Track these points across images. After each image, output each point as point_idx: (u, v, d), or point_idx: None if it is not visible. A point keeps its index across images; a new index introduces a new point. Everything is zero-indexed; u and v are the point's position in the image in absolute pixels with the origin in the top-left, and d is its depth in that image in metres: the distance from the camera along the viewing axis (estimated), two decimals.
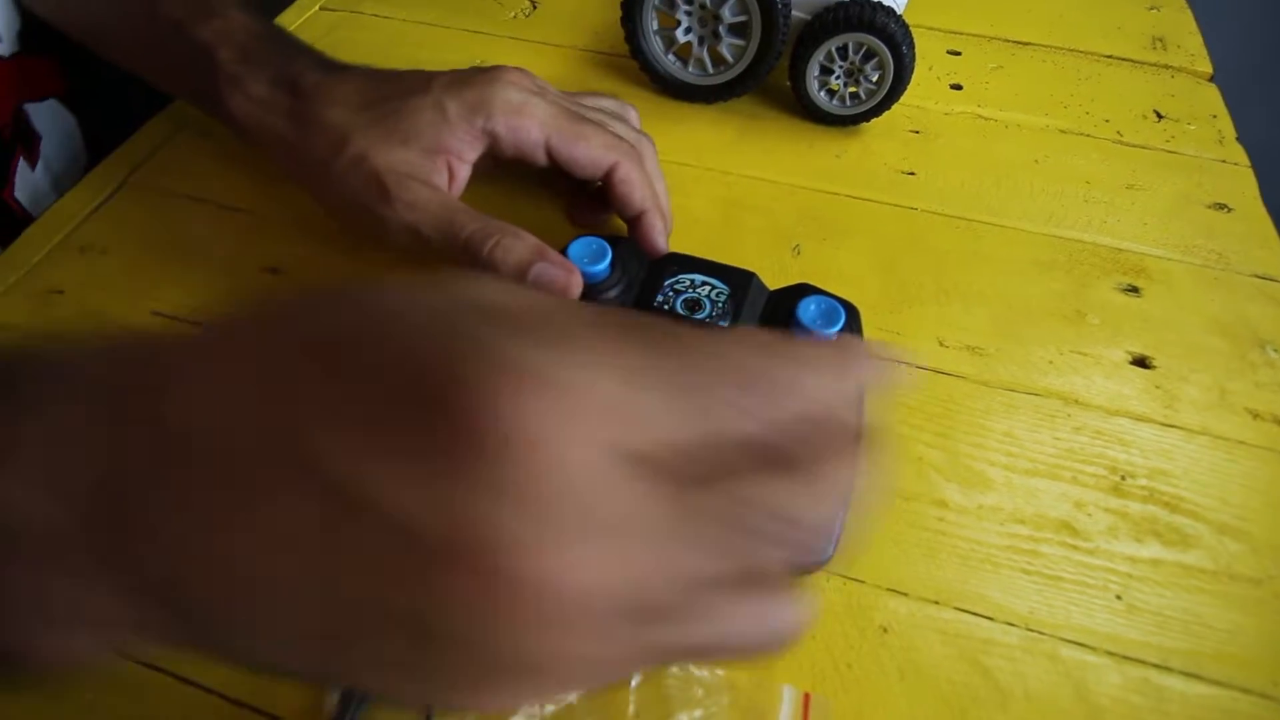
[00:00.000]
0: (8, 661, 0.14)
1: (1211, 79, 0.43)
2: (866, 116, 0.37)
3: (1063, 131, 0.39)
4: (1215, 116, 0.41)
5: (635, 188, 0.28)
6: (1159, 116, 0.40)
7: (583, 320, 0.14)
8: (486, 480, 0.12)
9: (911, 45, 0.34)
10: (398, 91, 0.27)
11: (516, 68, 0.28)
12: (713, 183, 0.36)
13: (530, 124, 0.27)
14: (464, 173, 0.28)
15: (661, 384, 0.13)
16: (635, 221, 0.29)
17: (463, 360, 0.12)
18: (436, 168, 0.27)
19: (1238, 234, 0.34)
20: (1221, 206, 0.36)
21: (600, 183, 0.29)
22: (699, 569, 0.13)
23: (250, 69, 0.29)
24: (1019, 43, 0.45)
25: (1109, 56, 0.44)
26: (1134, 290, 0.32)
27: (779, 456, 0.13)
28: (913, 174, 0.37)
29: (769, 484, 0.13)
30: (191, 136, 0.39)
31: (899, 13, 0.35)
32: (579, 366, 0.13)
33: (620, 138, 0.28)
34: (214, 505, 0.13)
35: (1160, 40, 0.45)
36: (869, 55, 0.35)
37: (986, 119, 0.40)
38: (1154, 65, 0.44)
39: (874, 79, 0.36)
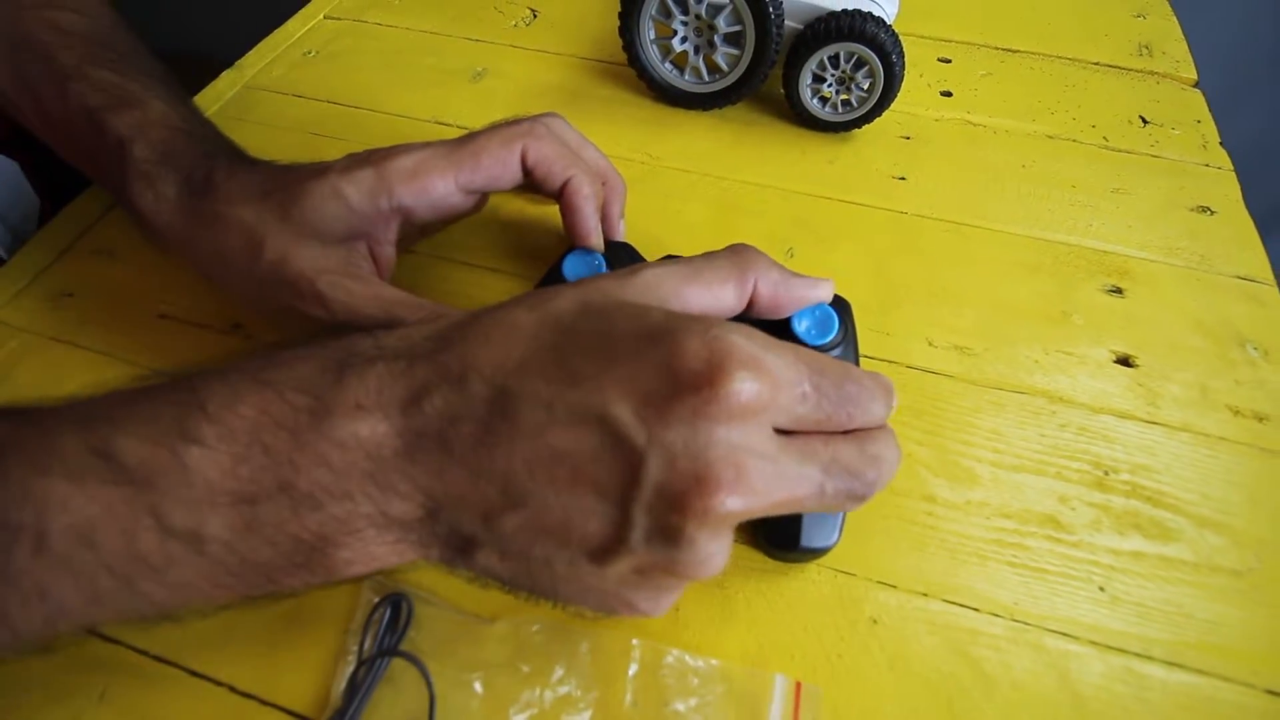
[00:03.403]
0: (310, 561, 0.19)
1: (1196, 85, 0.44)
2: (858, 123, 0.38)
3: (1050, 137, 0.40)
4: (1199, 122, 0.42)
5: (552, 162, 0.27)
6: (1144, 122, 0.41)
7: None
8: (713, 415, 0.17)
9: (901, 54, 0.35)
10: (297, 179, 0.26)
11: (405, 145, 0.27)
12: (708, 187, 0.37)
13: (432, 179, 0.26)
14: (388, 254, 0.28)
15: (810, 379, 0.19)
16: (563, 194, 0.28)
17: (681, 332, 0.18)
18: (359, 257, 0.26)
19: (1220, 236, 0.35)
20: (1204, 209, 0.37)
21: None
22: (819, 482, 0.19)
23: (163, 169, 0.27)
24: (1008, 50, 0.46)
25: (1096, 63, 0.45)
26: (1118, 291, 0.33)
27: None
28: (903, 179, 0.37)
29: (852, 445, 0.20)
30: None
31: (889, 22, 0.36)
32: (767, 348, 0.18)
33: (517, 124, 0.28)
34: (514, 435, 0.18)
35: (1146, 47, 0.46)
36: (860, 64, 0.36)
37: (976, 125, 0.41)
38: (1140, 72, 0.45)
39: (865, 87, 0.36)
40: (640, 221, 0.35)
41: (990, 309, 0.32)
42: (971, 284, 0.33)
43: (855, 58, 0.35)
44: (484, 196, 0.28)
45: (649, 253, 0.29)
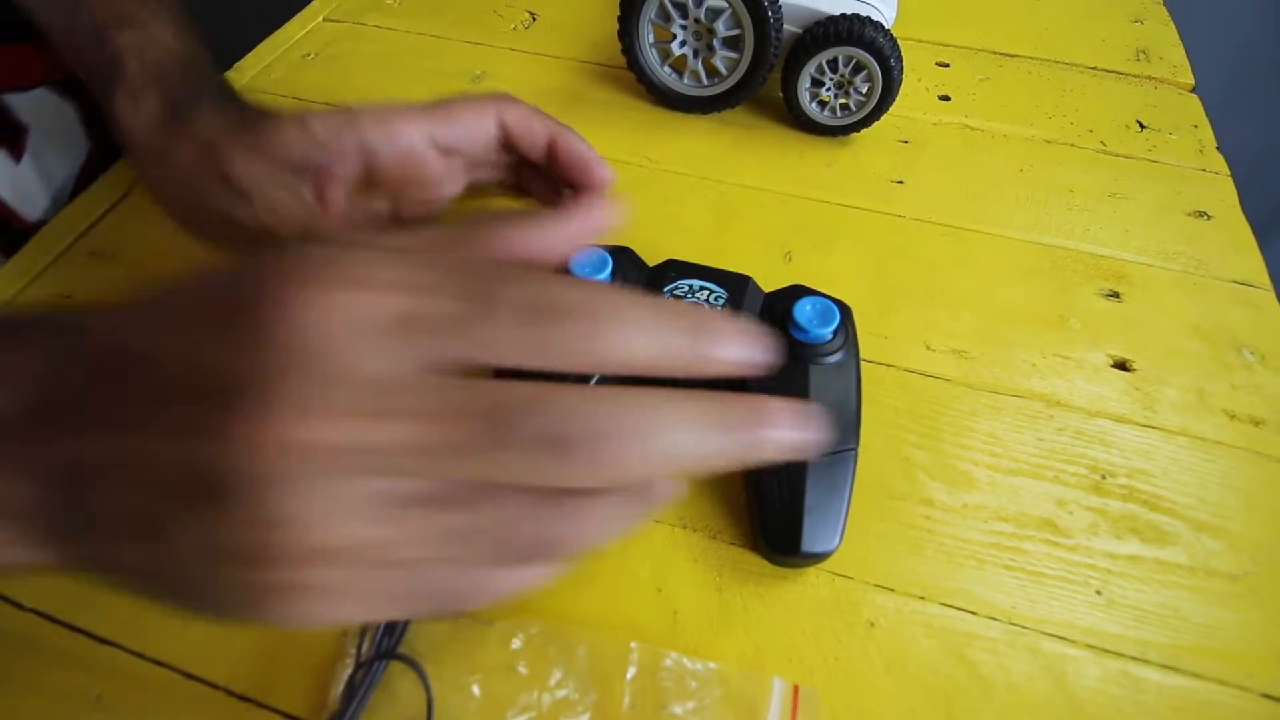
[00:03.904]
0: None
1: (1193, 90, 0.45)
2: (856, 127, 0.38)
3: (1048, 141, 0.40)
4: (1196, 126, 0.42)
5: (531, 119, 0.27)
6: (1141, 126, 0.41)
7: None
8: (255, 341, 0.14)
9: (900, 58, 0.35)
10: (273, 113, 0.27)
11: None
12: (707, 191, 0.37)
13: (400, 124, 0.26)
14: (337, 198, 0.26)
15: (445, 287, 0.15)
16: (554, 148, 0.27)
17: (253, 265, 0.15)
18: (301, 182, 0.26)
19: (1217, 241, 0.35)
20: (1201, 214, 0.37)
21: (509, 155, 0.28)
22: (455, 455, 0.14)
23: (151, 88, 0.28)
24: (1006, 55, 0.46)
25: (1093, 68, 0.45)
26: (1115, 295, 0.33)
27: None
28: (901, 183, 0.38)
29: (533, 403, 0.14)
30: None
31: (888, 27, 0.36)
32: (354, 252, 0.15)
33: (485, 94, 0.28)
34: (95, 416, 0.15)
35: (1144, 52, 0.47)
36: (858, 68, 0.36)
37: (974, 129, 0.41)
38: (1137, 77, 0.45)
39: (863, 91, 0.37)
40: (638, 225, 0.35)
41: (988, 312, 0.32)
42: (969, 288, 0.33)
43: (854, 62, 0.36)
44: (466, 179, 0.28)
45: (647, 256, 0.29)
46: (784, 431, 0.16)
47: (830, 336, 0.25)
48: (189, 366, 0.14)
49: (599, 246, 0.28)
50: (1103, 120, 0.42)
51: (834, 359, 0.25)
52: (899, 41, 0.36)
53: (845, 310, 0.27)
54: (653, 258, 0.30)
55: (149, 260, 0.34)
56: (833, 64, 0.36)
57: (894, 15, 0.37)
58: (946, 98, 0.43)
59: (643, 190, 0.37)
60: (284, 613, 0.15)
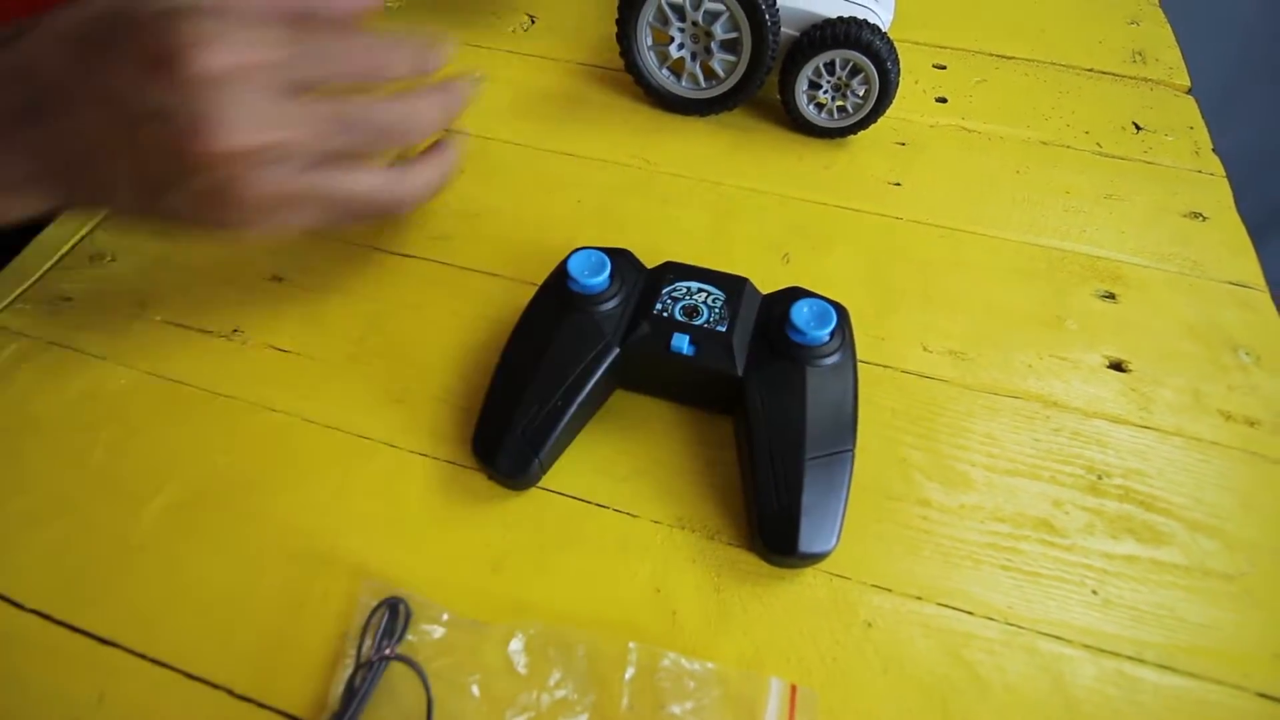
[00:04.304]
0: None
1: (1189, 91, 0.45)
2: (854, 129, 0.39)
3: (1044, 143, 0.41)
4: (1192, 128, 0.42)
5: None
6: (1137, 128, 0.42)
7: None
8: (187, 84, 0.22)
9: (896, 61, 0.36)
10: None
11: None
12: (705, 193, 0.37)
13: None
14: None
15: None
16: None
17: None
18: None
19: (1212, 242, 0.36)
20: (1197, 215, 0.37)
21: None
22: (315, 134, 0.24)
23: None
24: (1003, 56, 0.46)
25: (1090, 70, 0.46)
26: (1111, 297, 0.33)
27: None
28: (899, 185, 0.38)
29: (361, 102, 0.25)
30: None
31: (884, 30, 0.36)
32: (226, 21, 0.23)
33: None
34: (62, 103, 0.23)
35: (1140, 54, 0.47)
36: (855, 71, 0.36)
37: (970, 131, 0.41)
38: (1133, 79, 0.45)
39: (860, 94, 0.37)
40: (636, 227, 0.36)
41: (984, 314, 0.32)
42: (966, 289, 0.33)
43: (851, 65, 0.36)
44: None
45: (646, 258, 0.30)
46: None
47: (827, 338, 0.25)
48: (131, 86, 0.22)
49: (597, 249, 0.28)
50: (1099, 122, 0.42)
51: (831, 360, 0.25)
52: (896, 45, 0.36)
53: (842, 312, 0.27)
54: (651, 259, 0.30)
55: (148, 264, 0.34)
56: (830, 67, 0.37)
57: (891, 18, 0.38)
58: (943, 99, 0.43)
59: (641, 192, 0.37)
60: (226, 216, 0.24)
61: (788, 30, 0.37)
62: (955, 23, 0.49)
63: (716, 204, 0.37)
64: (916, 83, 0.44)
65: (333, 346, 0.31)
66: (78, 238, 0.36)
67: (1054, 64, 0.46)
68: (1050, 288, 0.33)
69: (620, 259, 0.28)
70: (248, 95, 0.22)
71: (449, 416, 0.29)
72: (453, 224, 0.36)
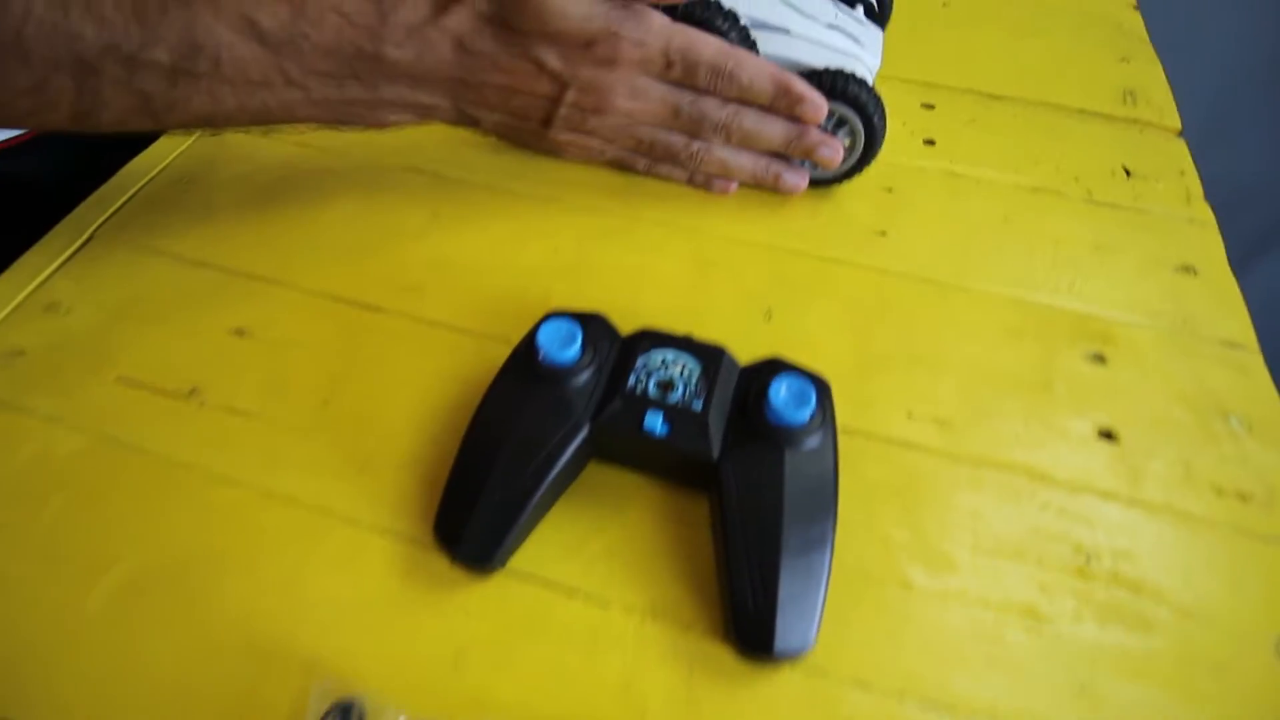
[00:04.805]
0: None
1: (1180, 134, 0.44)
2: (838, 180, 0.38)
3: (1033, 189, 0.40)
4: (1183, 173, 0.41)
5: None
6: (1128, 174, 0.41)
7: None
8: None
9: (883, 115, 0.35)
10: None
11: None
12: (687, 242, 0.36)
13: None
14: None
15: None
16: None
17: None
18: None
19: (1204, 298, 0.35)
20: (1188, 269, 0.36)
21: None
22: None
23: None
24: (993, 96, 0.45)
25: (1080, 110, 0.45)
26: (1100, 359, 0.32)
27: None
28: (884, 234, 0.37)
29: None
30: (163, 185, 0.39)
31: (872, 77, 0.35)
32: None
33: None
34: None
35: (1131, 94, 0.46)
36: (841, 123, 0.35)
37: (958, 175, 0.40)
38: (1124, 120, 0.44)
39: (845, 145, 0.36)
40: (615, 277, 0.34)
41: (971, 377, 0.31)
42: (952, 350, 0.32)
43: (835, 117, 0.35)
44: None
45: (619, 314, 0.29)
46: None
47: (806, 420, 0.24)
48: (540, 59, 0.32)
49: (569, 315, 0.27)
50: (1089, 166, 0.41)
51: (810, 443, 0.24)
52: (882, 95, 0.35)
53: (822, 389, 0.26)
54: (629, 311, 0.29)
55: (105, 316, 0.33)
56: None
57: (878, 63, 0.37)
58: (931, 142, 0.42)
59: (620, 240, 0.36)
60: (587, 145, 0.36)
61: None
62: (945, 59, 0.48)
63: (698, 254, 0.36)
64: (904, 124, 0.43)
65: (295, 408, 0.30)
66: (33, 286, 0.34)
67: (1044, 104, 0.45)
68: (1039, 348, 0.32)
69: (593, 326, 0.27)
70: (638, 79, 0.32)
71: (414, 488, 0.27)
72: (423, 273, 0.34)
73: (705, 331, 0.28)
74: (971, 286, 0.35)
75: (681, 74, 0.32)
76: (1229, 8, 0.84)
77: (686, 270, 0.35)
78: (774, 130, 0.34)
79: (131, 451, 0.28)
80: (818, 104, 0.33)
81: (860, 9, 0.37)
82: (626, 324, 0.30)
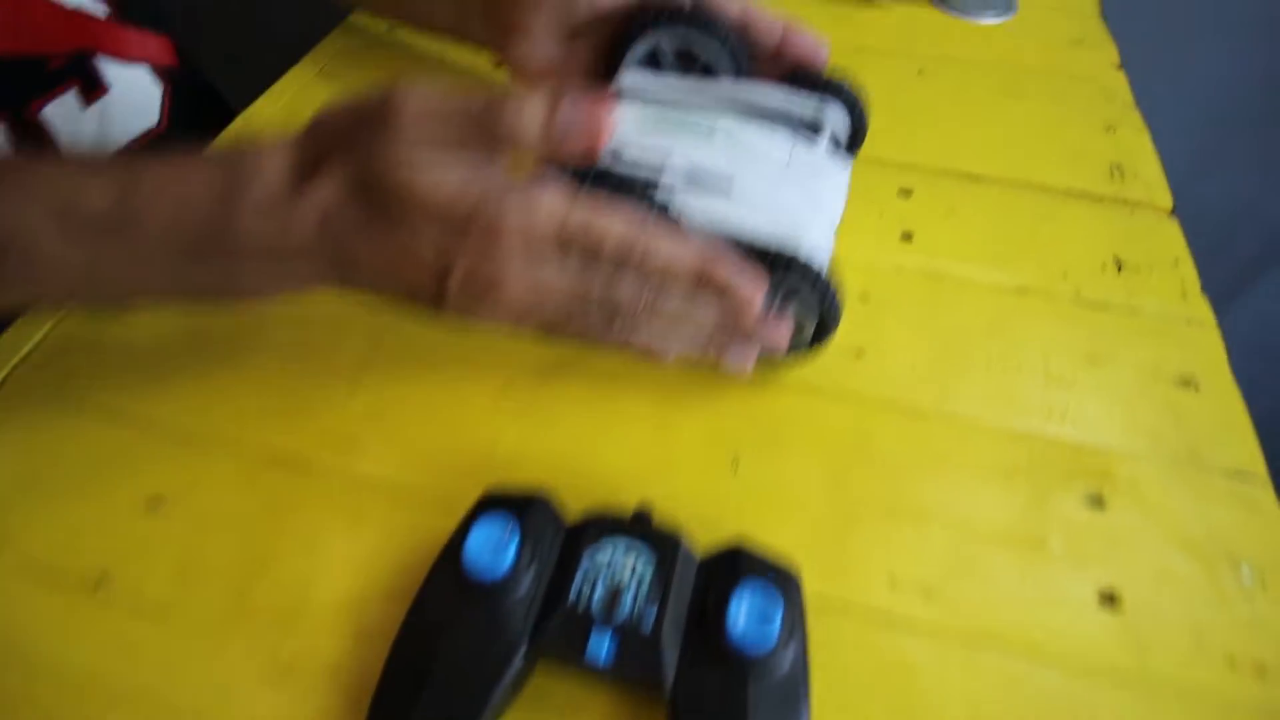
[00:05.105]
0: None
1: (1172, 212, 0.42)
2: (792, 357, 0.33)
3: (1019, 290, 0.37)
4: (1178, 262, 0.39)
5: (765, 17, 0.37)
6: (1119, 266, 0.38)
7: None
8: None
9: (836, 299, 0.30)
10: None
11: None
12: (647, 376, 0.33)
13: None
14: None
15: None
16: (784, 39, 0.37)
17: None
18: None
19: (1207, 418, 0.32)
20: (1189, 383, 0.33)
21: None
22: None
23: None
24: (973, 177, 0.43)
25: (1066, 190, 0.42)
26: (1099, 502, 0.29)
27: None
28: (861, 354, 0.34)
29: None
30: (76, 325, 0.35)
31: (826, 246, 0.30)
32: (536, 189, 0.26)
33: None
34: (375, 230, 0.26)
35: (1118, 168, 0.44)
36: (792, 292, 0.30)
37: (939, 276, 0.37)
38: (1113, 200, 0.42)
39: (795, 322, 0.31)
40: (571, 416, 0.32)
41: (959, 532, 0.29)
42: (937, 497, 0.30)
43: (783, 290, 0.30)
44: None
45: (574, 462, 0.26)
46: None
47: (773, 644, 0.21)
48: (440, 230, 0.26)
49: (506, 506, 0.24)
50: (1078, 259, 0.39)
51: (777, 668, 0.21)
52: (836, 288, 0.31)
53: (790, 591, 0.23)
54: (586, 455, 0.27)
55: (7, 487, 0.30)
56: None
57: (840, 211, 0.32)
58: (909, 236, 0.39)
59: (577, 373, 0.33)
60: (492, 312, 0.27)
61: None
62: (921, 134, 0.45)
63: (659, 388, 0.33)
64: (880, 215, 0.40)
65: (210, 600, 0.27)
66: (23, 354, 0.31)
67: (1028, 184, 0.42)
68: (1032, 492, 0.30)
69: (533, 516, 0.24)
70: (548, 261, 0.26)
71: (339, 702, 0.24)
72: (358, 424, 0.31)
73: (667, 486, 0.26)
74: (957, 413, 0.32)
75: (585, 255, 0.26)
76: (1211, 33, 0.82)
77: (648, 407, 0.32)
78: (704, 312, 0.28)
79: (25, 660, 0.25)
80: (749, 289, 0.27)
81: (825, 138, 0.34)
82: (579, 480, 0.27)
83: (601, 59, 0.38)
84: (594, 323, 0.27)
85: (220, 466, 0.30)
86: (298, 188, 0.26)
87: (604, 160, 0.32)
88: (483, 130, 0.25)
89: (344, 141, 0.26)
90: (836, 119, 0.34)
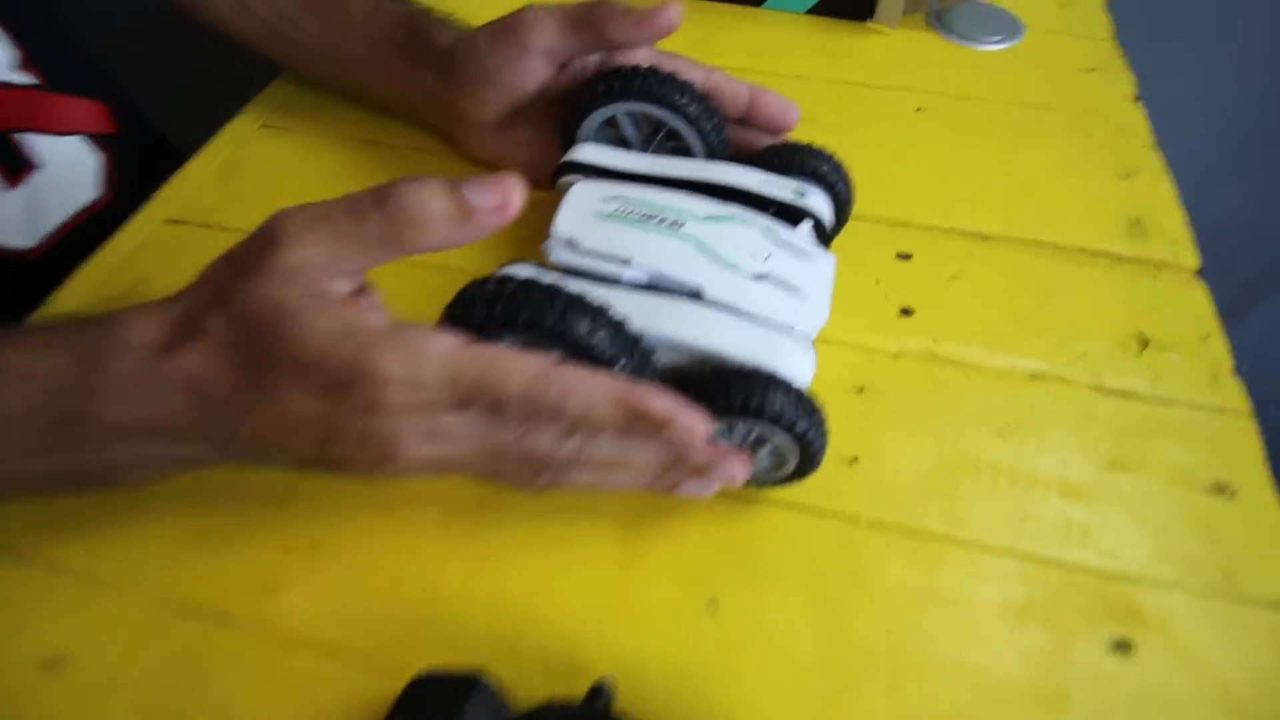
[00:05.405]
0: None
1: (1199, 273, 0.38)
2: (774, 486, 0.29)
3: (1032, 377, 0.33)
4: (1208, 337, 0.35)
5: (731, 83, 0.34)
6: (1143, 344, 0.35)
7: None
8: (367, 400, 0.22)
9: (822, 426, 0.26)
10: (527, 10, 0.35)
11: None
12: (613, 503, 0.29)
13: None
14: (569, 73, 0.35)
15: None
16: (751, 104, 0.34)
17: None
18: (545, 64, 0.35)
19: (1244, 535, 0.29)
20: (1223, 490, 0.30)
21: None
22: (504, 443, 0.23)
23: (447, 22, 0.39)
24: (979, 236, 0.39)
25: (1081, 250, 0.38)
26: (1125, 648, 0.26)
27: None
28: (855, 461, 0.30)
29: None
30: None
31: (804, 384, 0.26)
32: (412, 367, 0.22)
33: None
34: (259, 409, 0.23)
35: (1138, 223, 0.40)
36: (761, 440, 0.26)
37: (942, 361, 0.34)
38: (1133, 261, 0.38)
39: (769, 463, 0.28)
40: (520, 551, 0.28)
41: (970, 686, 0.25)
42: (945, 642, 0.26)
43: (755, 434, 0.26)
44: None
45: (527, 607, 0.22)
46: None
47: None
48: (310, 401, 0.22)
49: (439, 693, 0.21)
50: (1097, 335, 0.35)
51: None
52: (821, 409, 0.26)
53: None
54: (540, 600, 0.25)
55: None
56: (729, 428, 0.26)
57: (825, 314, 0.28)
58: (909, 311, 0.35)
59: (530, 502, 0.29)
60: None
61: (670, 358, 0.27)
62: (921, 185, 0.41)
63: (622, 512, 0.29)
64: (877, 283, 0.36)
65: None
66: None
67: (1039, 244, 0.38)
68: (1051, 636, 0.26)
69: (471, 710, 0.21)
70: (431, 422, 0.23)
71: None
72: (284, 565, 0.27)
73: (633, 637, 0.22)
74: (963, 537, 0.28)
75: (487, 412, 0.22)
76: (1220, 46, 0.77)
77: (613, 538, 0.28)
78: (642, 454, 0.24)
79: None
80: (688, 425, 0.23)
81: (807, 227, 0.30)
82: (531, 631, 0.23)
83: (558, 132, 0.35)
84: (516, 476, 0.24)
85: (128, 616, 0.26)
86: (162, 358, 0.22)
87: (556, 251, 0.29)
88: (379, 228, 0.22)
89: (218, 294, 0.23)
90: (818, 203, 0.30)
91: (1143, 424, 0.32)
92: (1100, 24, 0.53)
